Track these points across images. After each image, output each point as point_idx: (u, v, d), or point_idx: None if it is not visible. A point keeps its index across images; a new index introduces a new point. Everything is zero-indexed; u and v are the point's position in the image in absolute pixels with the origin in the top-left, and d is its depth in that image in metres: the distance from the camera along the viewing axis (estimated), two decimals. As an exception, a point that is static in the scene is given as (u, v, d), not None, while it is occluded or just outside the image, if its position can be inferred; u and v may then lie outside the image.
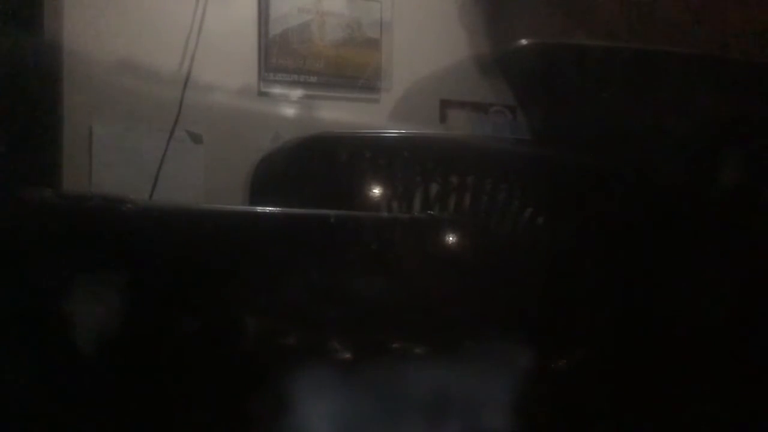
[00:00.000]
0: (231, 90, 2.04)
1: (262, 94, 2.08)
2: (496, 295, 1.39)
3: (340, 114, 2.14)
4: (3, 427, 1.16)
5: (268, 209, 1.54)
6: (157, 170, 1.92)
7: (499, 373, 1.34)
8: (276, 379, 1.24)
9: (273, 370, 1.25)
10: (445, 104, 2.28)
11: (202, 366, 1.22)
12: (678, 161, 1.66)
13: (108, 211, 1.29)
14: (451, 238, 1.52)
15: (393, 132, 2.10)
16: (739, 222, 1.61)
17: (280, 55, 2.09)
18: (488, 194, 1.78)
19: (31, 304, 1.18)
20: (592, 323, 1.50)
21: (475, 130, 2.28)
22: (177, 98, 1.94)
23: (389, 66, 2.22)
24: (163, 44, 1.96)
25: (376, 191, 1.76)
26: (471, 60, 2.29)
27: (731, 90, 1.65)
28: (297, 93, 2.11)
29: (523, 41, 1.97)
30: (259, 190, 1.91)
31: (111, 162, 1.90)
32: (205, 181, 1.99)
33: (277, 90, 2.10)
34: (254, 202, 1.91)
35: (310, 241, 1.34)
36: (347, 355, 1.29)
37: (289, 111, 2.11)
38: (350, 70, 2.17)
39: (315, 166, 1.84)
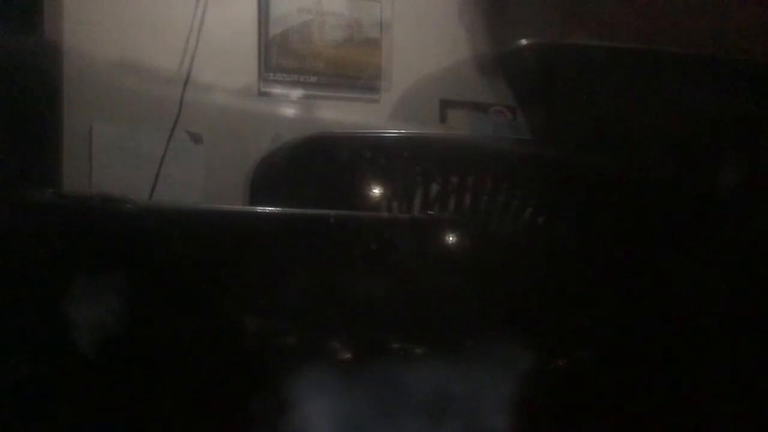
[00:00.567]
0: (231, 90, 2.04)
1: (262, 94, 2.08)
2: (496, 295, 1.40)
3: (340, 114, 2.14)
4: (3, 428, 1.16)
5: (268, 209, 1.54)
6: (157, 170, 1.91)
7: (499, 372, 1.34)
8: (276, 378, 1.24)
9: (273, 369, 1.25)
10: (445, 104, 2.27)
11: (203, 365, 1.23)
12: (678, 161, 1.66)
13: (108, 211, 1.29)
14: (451, 238, 1.52)
15: (393, 132, 2.10)
16: (738, 222, 1.61)
17: (280, 55, 2.09)
18: (488, 194, 1.77)
19: (32, 304, 1.18)
20: (592, 323, 1.50)
21: (475, 130, 2.27)
22: (177, 98, 1.94)
23: (389, 66, 2.21)
24: (163, 44, 1.96)
25: (376, 191, 1.76)
26: (471, 60, 2.29)
27: (731, 90, 1.65)
28: (297, 93, 2.11)
29: (523, 41, 1.97)
30: (259, 190, 1.91)
31: (111, 162, 1.90)
32: (205, 181, 1.99)
33: (277, 90, 2.09)
34: (254, 202, 1.91)
35: (310, 241, 1.34)
36: (347, 355, 1.29)
37: (289, 111, 2.10)
38: (350, 70, 2.17)
39: (315, 166, 1.84)
